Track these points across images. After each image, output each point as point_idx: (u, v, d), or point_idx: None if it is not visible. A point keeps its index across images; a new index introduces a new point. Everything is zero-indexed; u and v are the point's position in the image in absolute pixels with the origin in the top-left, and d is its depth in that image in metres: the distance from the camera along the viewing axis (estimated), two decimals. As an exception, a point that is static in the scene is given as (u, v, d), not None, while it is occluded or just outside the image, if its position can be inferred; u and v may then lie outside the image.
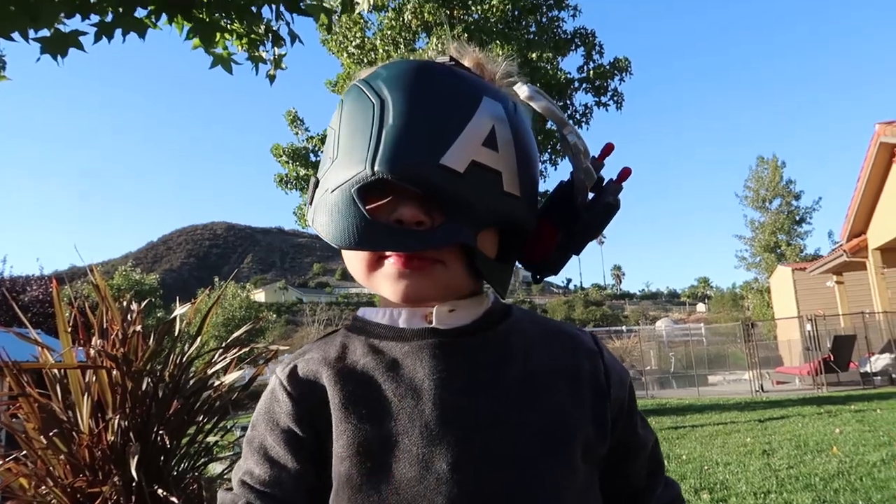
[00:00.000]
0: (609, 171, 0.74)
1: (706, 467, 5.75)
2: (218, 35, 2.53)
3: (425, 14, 11.84)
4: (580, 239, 0.74)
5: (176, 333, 2.96)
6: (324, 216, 0.66)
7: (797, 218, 35.39)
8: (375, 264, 0.68)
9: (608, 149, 0.73)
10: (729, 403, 11.53)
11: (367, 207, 0.62)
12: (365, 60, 12.25)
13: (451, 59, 0.74)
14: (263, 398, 0.74)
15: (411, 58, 11.40)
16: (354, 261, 0.70)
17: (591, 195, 0.73)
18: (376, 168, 0.61)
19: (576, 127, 0.72)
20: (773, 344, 19.75)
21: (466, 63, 0.75)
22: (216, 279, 51.14)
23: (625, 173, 0.71)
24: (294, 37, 2.54)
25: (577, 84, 12.76)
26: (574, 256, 0.76)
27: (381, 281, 0.68)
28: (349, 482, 0.65)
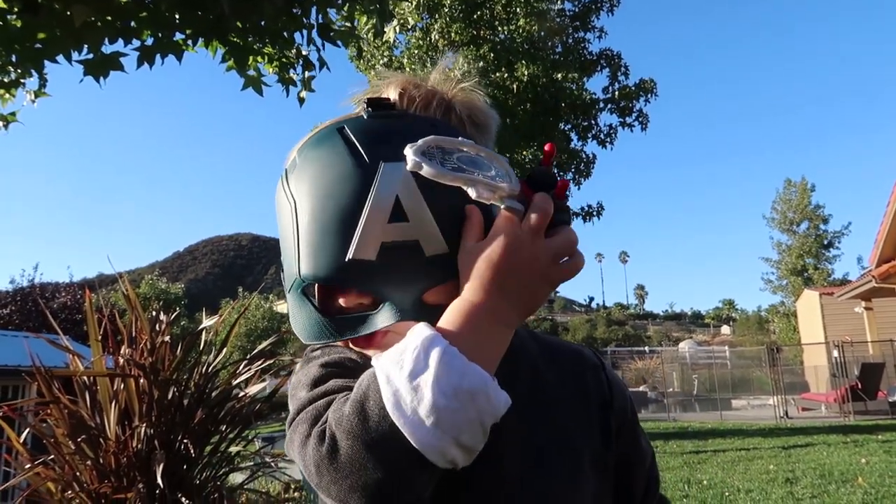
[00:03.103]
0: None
1: (727, 494, 5.66)
2: (250, 58, 2.63)
3: (452, 34, 12.00)
4: None
5: (201, 345, 3.04)
6: (291, 312, 0.69)
7: (825, 242, 34.75)
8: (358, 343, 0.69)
9: (564, 185, 0.66)
10: (752, 429, 11.33)
11: (319, 300, 0.66)
12: (392, 78, 12.41)
13: (368, 104, 0.69)
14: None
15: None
16: None
17: None
18: (302, 274, 0.63)
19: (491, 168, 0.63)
20: (799, 369, 19.37)
21: (390, 94, 0.71)
22: (240, 290, 51.76)
23: (562, 186, 0.65)
24: (323, 63, 2.62)
25: (602, 104, 12.80)
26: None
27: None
28: None
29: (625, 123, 12.95)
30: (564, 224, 0.62)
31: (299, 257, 0.63)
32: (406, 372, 0.51)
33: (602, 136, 12.94)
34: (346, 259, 0.60)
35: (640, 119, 12.89)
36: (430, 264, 0.61)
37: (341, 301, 0.65)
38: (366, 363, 0.63)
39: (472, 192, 0.59)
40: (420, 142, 0.60)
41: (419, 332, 0.55)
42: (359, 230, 0.60)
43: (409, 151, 0.59)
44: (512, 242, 0.58)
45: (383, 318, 0.61)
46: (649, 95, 12.79)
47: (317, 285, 0.65)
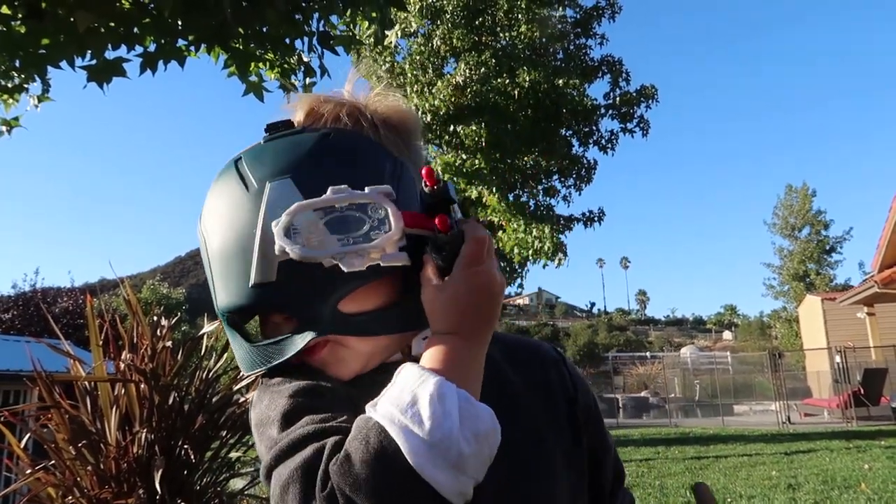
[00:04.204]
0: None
1: (729, 500, 5.65)
2: (252, 64, 2.64)
3: (454, 40, 12.03)
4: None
5: (202, 351, 3.04)
6: (231, 344, 0.68)
7: (827, 247, 34.75)
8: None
9: (429, 172, 0.65)
10: (754, 435, 11.31)
11: (261, 327, 0.67)
12: (394, 84, 12.43)
13: (268, 130, 0.69)
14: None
15: (416, 90, 11.55)
16: None
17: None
18: (220, 306, 0.64)
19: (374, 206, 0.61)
20: (801, 375, 19.34)
21: (297, 116, 0.71)
22: (241, 295, 51.68)
23: (428, 173, 0.65)
24: (324, 70, 2.64)
25: (603, 110, 12.82)
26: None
27: None
28: None
29: (626, 129, 12.96)
30: (462, 221, 0.64)
31: (215, 290, 0.64)
32: (429, 426, 0.50)
33: (603, 141, 12.95)
34: (250, 285, 0.60)
35: (641, 125, 12.90)
36: (333, 274, 0.60)
37: (269, 325, 0.66)
38: (337, 386, 0.63)
39: (343, 267, 0.58)
40: (283, 217, 0.58)
41: (421, 377, 0.53)
42: (255, 254, 0.60)
43: (275, 230, 0.58)
44: (470, 278, 0.60)
45: (303, 336, 0.61)
46: (650, 101, 12.81)
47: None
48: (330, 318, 0.60)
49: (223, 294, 0.63)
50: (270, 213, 0.59)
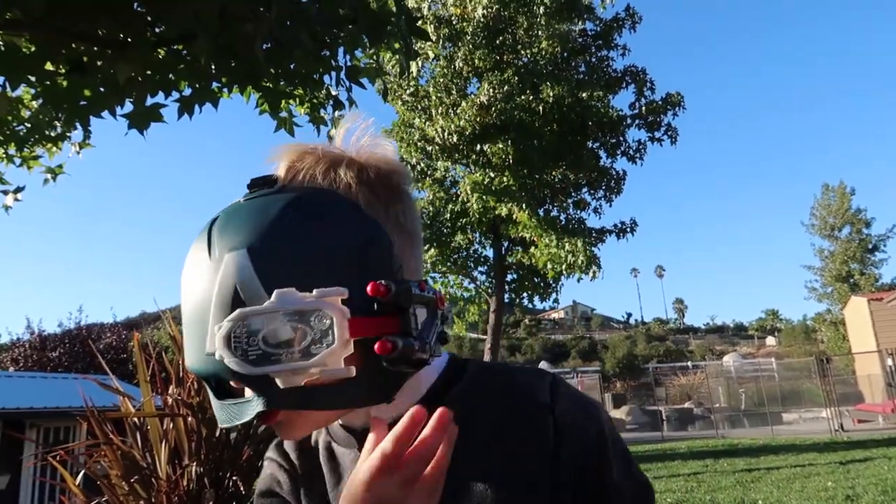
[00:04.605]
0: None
1: (783, 514, 5.48)
2: (283, 101, 2.73)
3: (476, 60, 12.16)
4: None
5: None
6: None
7: (870, 246, 33.76)
8: None
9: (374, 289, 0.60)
10: (806, 444, 10.96)
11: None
12: (419, 107, 12.62)
13: (249, 186, 0.67)
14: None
15: (456, 105, 11.63)
16: None
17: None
18: (187, 367, 0.64)
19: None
20: (851, 379, 18.71)
21: (280, 172, 0.69)
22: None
23: (372, 288, 0.60)
24: (352, 102, 2.72)
25: (629, 120, 12.78)
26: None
27: None
28: None
29: (654, 138, 12.89)
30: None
31: (183, 349, 0.65)
32: None
33: (631, 152, 12.89)
34: (205, 353, 0.59)
35: (669, 133, 12.81)
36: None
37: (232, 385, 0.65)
38: (293, 471, 0.76)
39: (279, 384, 0.57)
40: (225, 324, 0.57)
41: None
42: (210, 323, 0.59)
43: (216, 337, 0.57)
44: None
45: (254, 406, 0.60)
46: (677, 109, 12.73)
47: None
48: (279, 392, 0.58)
49: (186, 355, 0.63)
50: (224, 283, 0.59)
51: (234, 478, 2.74)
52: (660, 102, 12.70)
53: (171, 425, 2.81)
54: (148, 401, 2.93)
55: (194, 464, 2.69)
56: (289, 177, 0.67)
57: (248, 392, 0.62)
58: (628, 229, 12.73)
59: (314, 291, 0.57)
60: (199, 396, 2.84)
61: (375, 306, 0.60)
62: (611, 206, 13.17)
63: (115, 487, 2.71)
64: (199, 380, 2.94)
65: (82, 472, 2.96)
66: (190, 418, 2.79)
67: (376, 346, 0.58)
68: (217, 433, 2.83)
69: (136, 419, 2.86)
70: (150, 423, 2.82)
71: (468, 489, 0.66)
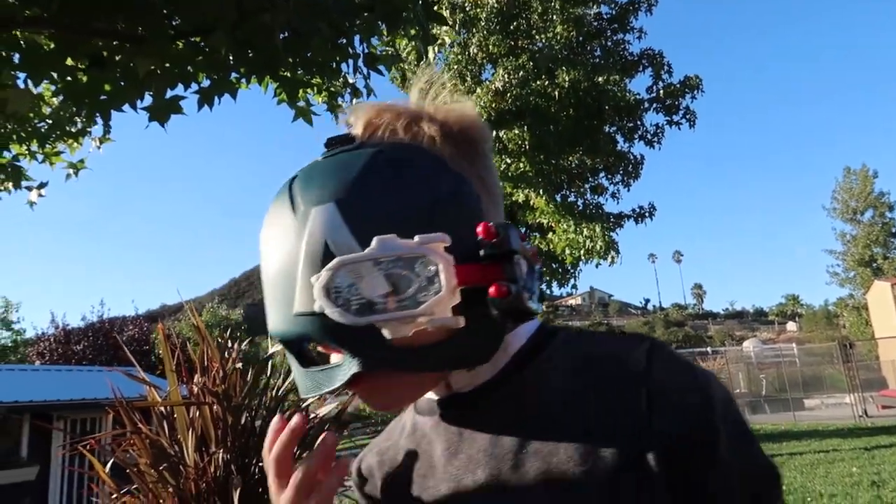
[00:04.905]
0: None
1: (809, 499, 5.44)
2: (300, 90, 2.73)
3: (490, 46, 12.07)
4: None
5: (268, 370, 3.13)
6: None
7: (893, 229, 33.21)
8: None
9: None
10: (829, 429, 10.86)
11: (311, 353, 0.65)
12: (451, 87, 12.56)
13: (326, 145, 0.65)
14: None
15: (471, 92, 11.59)
16: None
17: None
18: (269, 330, 0.60)
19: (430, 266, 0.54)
20: (875, 364, 18.48)
21: (358, 130, 0.66)
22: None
23: (483, 229, 0.57)
24: (370, 90, 2.72)
25: (646, 104, 12.62)
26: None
27: None
28: None
29: (672, 122, 12.73)
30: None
31: (266, 314, 0.61)
32: None
33: (649, 136, 12.75)
34: (294, 313, 0.56)
35: (688, 116, 12.65)
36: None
37: (325, 350, 0.62)
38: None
39: (387, 334, 0.53)
40: (323, 273, 0.53)
41: None
42: (298, 281, 0.56)
43: (315, 287, 0.54)
44: None
45: (346, 369, 0.56)
46: (695, 92, 12.55)
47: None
48: (378, 351, 0.55)
49: (270, 319, 0.60)
50: (312, 239, 0.56)
51: (260, 464, 2.77)
52: (678, 86, 12.53)
53: (198, 414, 2.84)
54: (174, 390, 2.98)
55: (221, 451, 2.72)
56: (367, 133, 0.65)
57: (335, 357, 0.59)
58: (647, 214, 12.62)
59: (416, 238, 0.53)
60: (223, 385, 2.88)
61: (481, 252, 0.56)
62: (629, 190, 13.07)
63: (144, 475, 2.75)
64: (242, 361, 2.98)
65: (111, 460, 3.01)
66: (216, 406, 2.83)
67: (491, 290, 0.54)
68: (243, 420, 2.86)
69: (163, 408, 2.90)
70: (177, 412, 2.87)
71: (543, 469, 0.59)
